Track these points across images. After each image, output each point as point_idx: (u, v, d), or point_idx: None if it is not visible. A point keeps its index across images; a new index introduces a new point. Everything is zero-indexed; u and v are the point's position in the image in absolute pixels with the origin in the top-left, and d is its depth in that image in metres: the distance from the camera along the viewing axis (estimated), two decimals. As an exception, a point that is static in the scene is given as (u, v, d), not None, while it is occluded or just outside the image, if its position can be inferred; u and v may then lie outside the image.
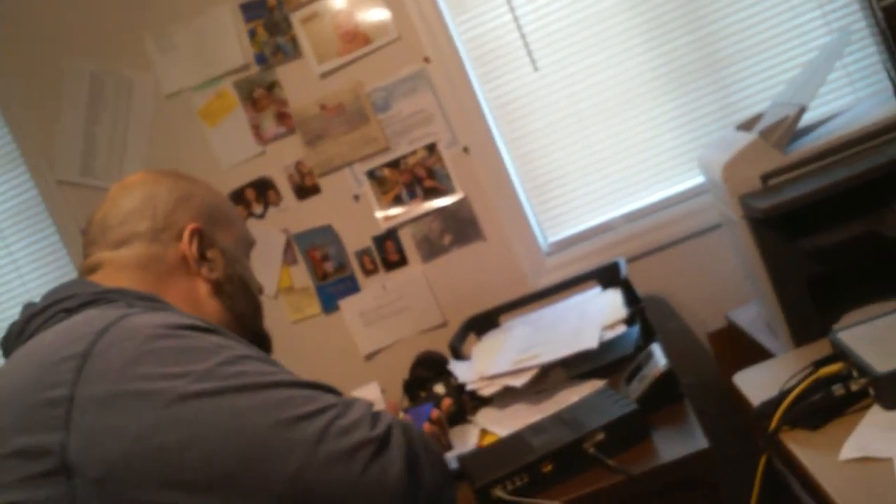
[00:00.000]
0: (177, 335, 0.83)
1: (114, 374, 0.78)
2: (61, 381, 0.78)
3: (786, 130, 1.34)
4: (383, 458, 0.81)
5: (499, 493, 1.19)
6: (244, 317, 1.09)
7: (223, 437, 0.76)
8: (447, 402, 1.66)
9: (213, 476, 0.75)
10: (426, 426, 1.47)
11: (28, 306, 0.96)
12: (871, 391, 1.03)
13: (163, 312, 0.91)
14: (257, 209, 2.27)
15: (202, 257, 1.06)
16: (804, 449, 1.01)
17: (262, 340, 1.11)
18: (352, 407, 0.84)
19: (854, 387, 1.04)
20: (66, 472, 0.74)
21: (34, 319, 0.93)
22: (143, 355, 0.79)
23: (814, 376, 1.08)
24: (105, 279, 1.01)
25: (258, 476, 0.76)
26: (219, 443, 0.76)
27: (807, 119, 1.44)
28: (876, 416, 1.01)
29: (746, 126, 1.60)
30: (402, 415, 1.49)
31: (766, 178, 1.33)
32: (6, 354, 0.96)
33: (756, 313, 1.75)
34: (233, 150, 2.26)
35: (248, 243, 1.17)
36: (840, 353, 1.11)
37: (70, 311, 0.91)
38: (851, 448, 0.97)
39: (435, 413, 1.52)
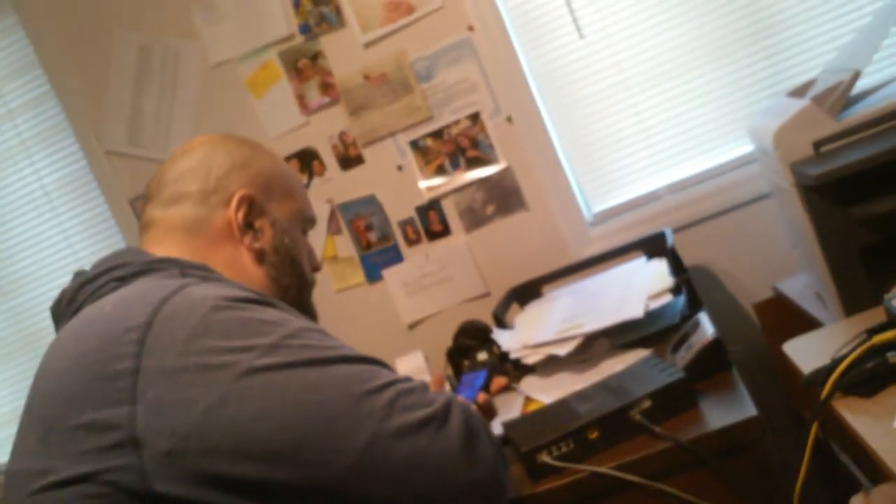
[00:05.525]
0: (238, 307, 0.83)
1: (179, 346, 0.78)
2: (125, 353, 0.79)
3: (839, 96, 1.32)
4: (445, 432, 0.83)
5: (544, 458, 1.20)
6: (289, 288, 1.09)
7: (293, 410, 0.78)
8: (501, 381, 1.61)
9: (284, 448, 0.76)
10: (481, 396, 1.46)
11: (79, 274, 0.97)
12: (928, 358, 1.01)
13: (218, 283, 0.92)
14: (302, 179, 2.29)
15: (249, 226, 1.06)
16: (857, 416, 1.00)
17: (306, 315, 1.10)
18: (411, 383, 0.86)
19: (910, 354, 1.02)
20: (134, 445, 0.75)
21: (85, 287, 0.93)
22: (206, 327, 0.80)
23: (868, 343, 1.06)
24: (154, 241, 1.02)
25: (328, 449, 0.77)
26: (289, 416, 0.77)
27: (860, 86, 1.40)
28: (932, 384, 0.99)
29: (798, 93, 1.57)
30: (447, 386, 1.48)
31: (818, 144, 1.31)
32: (56, 321, 0.97)
33: (804, 284, 1.73)
34: (278, 121, 2.28)
35: (307, 219, 1.16)
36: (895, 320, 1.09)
37: (122, 280, 0.91)
38: (907, 415, 0.95)
39: (482, 398, 1.49)
